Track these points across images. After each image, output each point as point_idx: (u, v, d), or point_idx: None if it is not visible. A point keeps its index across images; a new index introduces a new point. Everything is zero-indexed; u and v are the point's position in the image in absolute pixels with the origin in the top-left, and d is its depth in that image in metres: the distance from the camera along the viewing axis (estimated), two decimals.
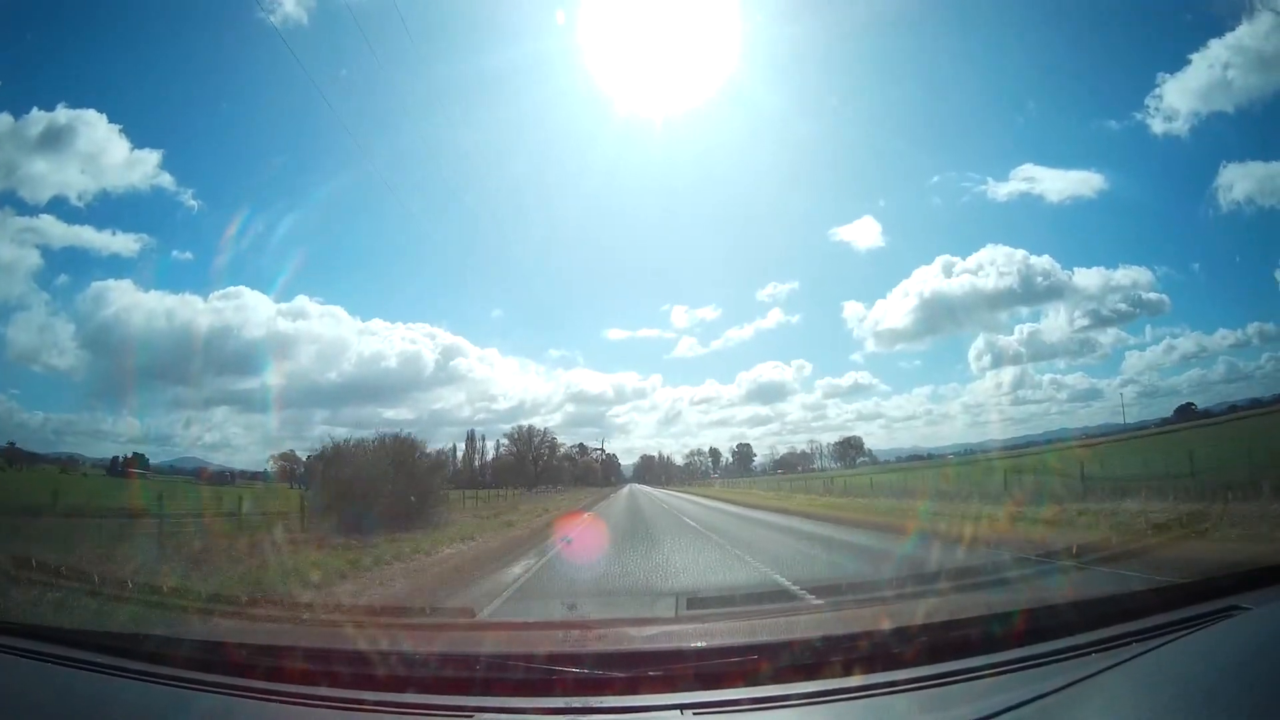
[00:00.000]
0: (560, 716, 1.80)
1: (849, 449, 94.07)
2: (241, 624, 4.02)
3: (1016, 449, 60.27)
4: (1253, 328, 69.97)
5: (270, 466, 74.40)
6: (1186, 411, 70.77)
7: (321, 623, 4.26)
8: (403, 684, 1.89)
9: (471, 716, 1.75)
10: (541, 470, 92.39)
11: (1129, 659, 1.83)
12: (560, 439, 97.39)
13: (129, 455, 64.99)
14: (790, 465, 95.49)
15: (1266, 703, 1.53)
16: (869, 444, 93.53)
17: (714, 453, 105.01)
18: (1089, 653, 1.89)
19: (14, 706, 2.01)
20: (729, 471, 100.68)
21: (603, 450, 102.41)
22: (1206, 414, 64.74)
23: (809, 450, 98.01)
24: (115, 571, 7.69)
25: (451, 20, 69.93)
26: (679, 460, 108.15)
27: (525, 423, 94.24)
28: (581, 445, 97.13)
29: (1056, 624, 2.07)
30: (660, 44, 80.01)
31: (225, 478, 62.71)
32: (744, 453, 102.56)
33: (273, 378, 75.52)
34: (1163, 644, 1.92)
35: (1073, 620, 2.09)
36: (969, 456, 61.45)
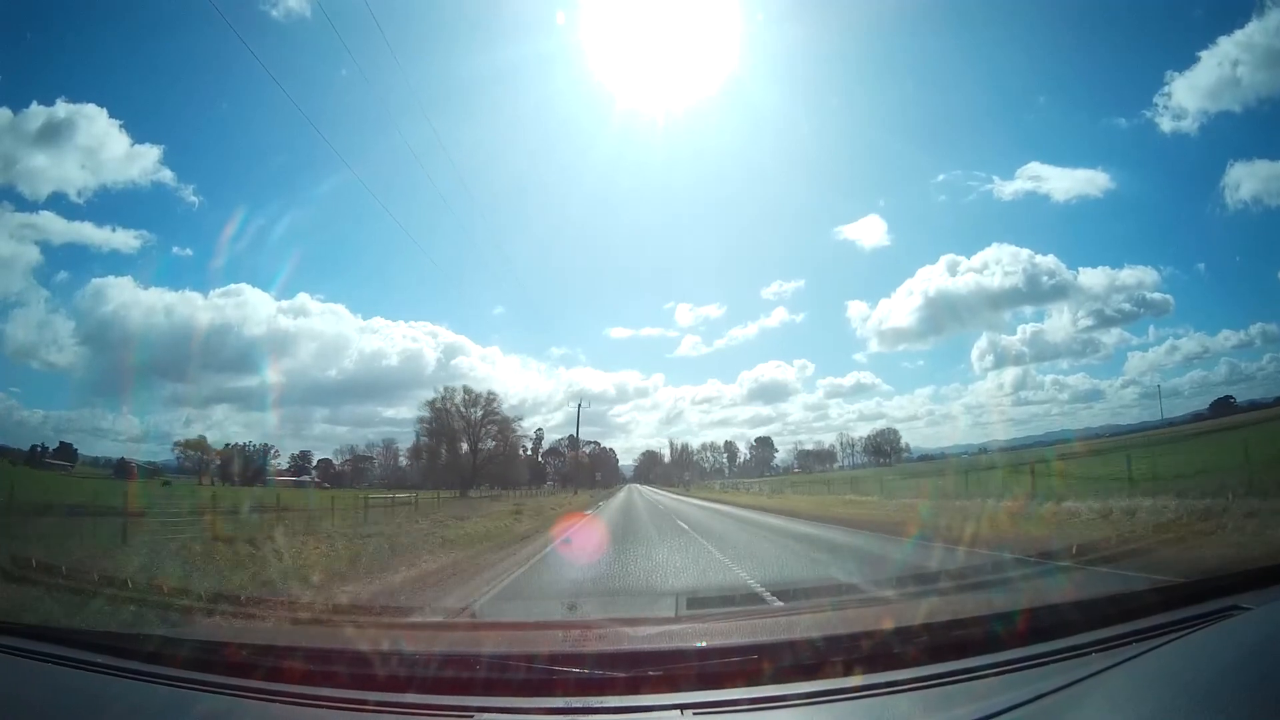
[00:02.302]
0: (561, 716, 1.80)
1: (883, 445, 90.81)
2: (243, 623, 4.03)
3: (1019, 449, 59.90)
4: (1255, 328, 69.85)
5: (176, 454, 68.78)
6: (1223, 405, 68.41)
7: (323, 623, 4.27)
8: (404, 684, 1.89)
9: (473, 717, 1.75)
10: (484, 462, 65.79)
11: (1129, 658, 1.83)
12: (556, 437, 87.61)
13: (44, 446, 64.22)
14: (818, 461, 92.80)
15: (1266, 703, 1.53)
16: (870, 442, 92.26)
17: (729, 447, 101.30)
18: (1089, 652, 1.90)
19: (14, 706, 2.01)
20: (745, 470, 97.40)
21: (595, 443, 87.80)
22: (1254, 405, 61.09)
23: (836, 446, 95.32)
24: None
25: (453, 20, 70.31)
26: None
27: (457, 385, 68.46)
28: (571, 437, 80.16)
29: (1057, 623, 2.07)
30: (662, 43, 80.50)
31: (146, 470, 60.85)
32: (763, 450, 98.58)
33: (273, 375, 74.12)
34: (1163, 644, 1.92)
35: (1073, 620, 2.09)
36: (981, 456, 60.74)
